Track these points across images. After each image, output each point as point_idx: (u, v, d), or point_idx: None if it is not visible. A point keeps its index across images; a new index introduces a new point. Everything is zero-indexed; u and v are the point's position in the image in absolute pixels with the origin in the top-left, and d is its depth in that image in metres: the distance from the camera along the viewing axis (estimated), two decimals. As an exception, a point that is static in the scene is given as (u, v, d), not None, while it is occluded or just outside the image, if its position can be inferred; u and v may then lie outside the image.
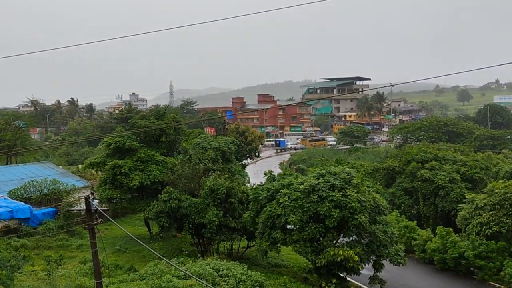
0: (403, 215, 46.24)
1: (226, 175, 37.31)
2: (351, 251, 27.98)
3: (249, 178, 51.05)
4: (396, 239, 30.48)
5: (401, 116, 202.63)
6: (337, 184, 28.54)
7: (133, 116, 59.59)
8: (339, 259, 27.80)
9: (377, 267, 30.30)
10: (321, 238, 29.19)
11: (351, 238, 29.75)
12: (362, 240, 29.65)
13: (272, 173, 34.19)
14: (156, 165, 41.18)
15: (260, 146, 67.56)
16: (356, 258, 28.08)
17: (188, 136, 55.21)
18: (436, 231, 40.20)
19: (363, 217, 27.76)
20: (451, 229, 39.81)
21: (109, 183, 40.89)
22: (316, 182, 28.81)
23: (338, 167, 32.55)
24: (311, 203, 28.23)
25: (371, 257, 29.84)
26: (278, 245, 30.52)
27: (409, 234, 42.54)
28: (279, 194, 29.71)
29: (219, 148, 44.74)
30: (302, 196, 28.67)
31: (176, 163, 41.21)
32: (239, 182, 37.06)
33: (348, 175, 29.69)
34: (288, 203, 28.77)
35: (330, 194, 28.00)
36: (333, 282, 29.12)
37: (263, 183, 34.28)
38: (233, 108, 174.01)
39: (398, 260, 29.71)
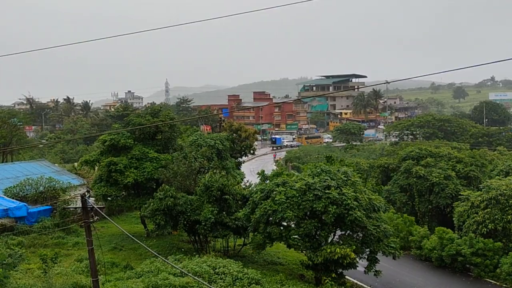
0: (399, 212, 46.42)
1: (222, 173, 37.34)
2: (348, 249, 28.15)
3: (244, 176, 51.01)
4: (390, 234, 30.56)
5: (397, 113, 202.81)
6: (333, 184, 28.65)
7: (129, 113, 59.50)
8: (336, 257, 27.98)
9: (372, 259, 30.46)
10: (317, 233, 29.37)
11: (346, 233, 29.95)
12: (355, 235, 29.84)
13: (265, 173, 34.34)
14: (150, 162, 41.23)
15: (255, 143, 67.31)
16: (353, 255, 28.35)
17: (185, 133, 55.16)
18: (435, 231, 40.27)
19: (359, 212, 27.93)
20: (449, 230, 39.94)
21: (105, 180, 40.98)
22: (311, 181, 28.90)
23: (332, 166, 32.58)
24: (307, 201, 28.41)
25: (366, 250, 30.02)
26: (274, 241, 30.63)
27: (408, 228, 42.63)
28: (274, 192, 29.76)
29: (214, 146, 44.72)
30: (297, 195, 28.77)
31: (169, 159, 41.35)
32: (234, 179, 37.04)
33: (345, 175, 29.79)
34: (284, 200, 28.84)
35: (326, 192, 28.15)
36: (333, 276, 29.34)
37: (257, 183, 34.41)
38: (229, 105, 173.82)
39: (390, 251, 29.84)
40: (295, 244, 29.76)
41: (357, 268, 30.83)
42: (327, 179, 28.99)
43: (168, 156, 42.28)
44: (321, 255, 28.45)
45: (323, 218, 28.33)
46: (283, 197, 28.98)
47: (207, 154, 41.61)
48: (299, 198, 28.70)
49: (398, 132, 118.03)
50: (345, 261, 28.49)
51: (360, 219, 27.92)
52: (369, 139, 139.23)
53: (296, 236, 29.63)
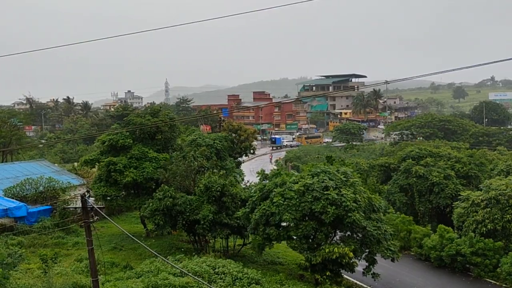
0: (398, 212, 46.42)
1: (221, 173, 37.31)
2: (346, 248, 28.10)
3: (244, 175, 51.07)
4: (390, 236, 30.51)
5: (396, 113, 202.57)
6: (332, 185, 28.54)
7: (129, 113, 59.42)
8: (334, 256, 27.92)
9: (370, 260, 30.43)
10: (315, 235, 29.32)
11: (346, 234, 29.93)
12: (355, 235, 29.80)
13: (264, 172, 34.26)
14: (150, 161, 41.25)
15: (254, 142, 67.26)
16: (351, 254, 28.27)
17: (185, 133, 55.16)
18: (437, 229, 40.25)
19: (358, 214, 27.83)
20: (450, 228, 39.98)
21: (104, 180, 40.96)
22: (310, 182, 28.81)
23: (333, 165, 32.51)
24: (306, 203, 28.30)
25: (365, 250, 29.96)
26: (273, 242, 30.62)
27: (406, 228, 42.58)
28: (272, 193, 29.75)
29: (213, 146, 44.66)
30: (296, 196, 28.71)
31: (168, 157, 41.42)
32: (232, 180, 37.00)
33: (344, 175, 29.71)
34: (282, 202, 28.81)
35: (325, 193, 28.03)
36: (327, 274, 29.24)
37: (256, 183, 34.37)
38: (228, 105, 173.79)
39: (389, 255, 29.77)
40: (293, 245, 29.76)
41: (356, 269, 30.78)
42: (326, 180, 28.87)
43: (166, 155, 42.32)
44: (319, 255, 28.40)
45: (322, 218, 28.25)
46: (281, 199, 28.96)
47: (205, 153, 41.58)
48: (297, 200, 28.62)
49: (398, 132, 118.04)
50: (344, 260, 28.42)
51: (359, 221, 27.85)
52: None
53: (294, 237, 29.62)
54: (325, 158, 37.03)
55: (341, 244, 29.05)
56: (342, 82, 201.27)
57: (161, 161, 41.15)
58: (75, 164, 70.34)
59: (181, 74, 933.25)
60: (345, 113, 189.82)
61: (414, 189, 48.69)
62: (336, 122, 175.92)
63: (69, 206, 43.04)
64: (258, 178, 34.36)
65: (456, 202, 42.09)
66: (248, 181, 43.49)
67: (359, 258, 30.03)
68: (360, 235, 29.64)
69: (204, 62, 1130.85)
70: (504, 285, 34.51)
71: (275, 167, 77.33)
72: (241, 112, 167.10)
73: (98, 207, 21.34)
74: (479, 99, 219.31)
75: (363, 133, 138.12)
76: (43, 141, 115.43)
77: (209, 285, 24.97)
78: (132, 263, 33.84)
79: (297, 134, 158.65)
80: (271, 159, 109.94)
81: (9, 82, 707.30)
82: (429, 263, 39.84)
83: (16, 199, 43.32)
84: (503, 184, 38.88)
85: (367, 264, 30.67)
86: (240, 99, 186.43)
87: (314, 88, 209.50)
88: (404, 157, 52.45)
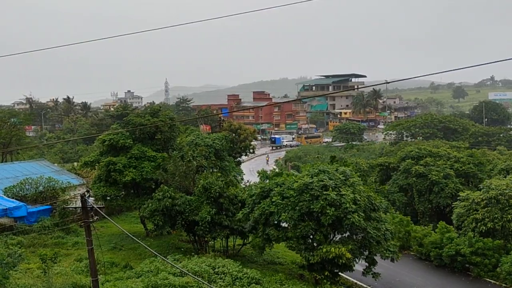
0: (398, 212, 46.36)
1: (219, 173, 37.25)
2: (343, 248, 27.97)
3: (243, 175, 51.06)
4: (391, 236, 30.43)
5: (396, 113, 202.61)
6: (331, 184, 28.45)
7: (128, 113, 59.42)
8: (331, 256, 27.81)
9: (370, 261, 30.39)
10: (313, 235, 29.27)
11: (345, 235, 29.86)
12: (355, 237, 29.74)
13: (266, 172, 34.23)
14: (149, 161, 41.26)
15: (253, 142, 67.24)
16: (348, 255, 28.07)
17: (185, 132, 55.14)
18: (438, 226, 40.23)
19: (357, 216, 27.70)
20: (451, 227, 39.96)
21: (104, 180, 40.96)
22: (309, 181, 28.77)
23: (332, 165, 32.44)
24: (304, 202, 28.21)
25: (364, 252, 29.89)
26: (273, 242, 30.61)
27: (405, 228, 42.53)
28: (272, 192, 29.72)
29: (212, 146, 44.61)
30: (295, 195, 28.66)
31: (166, 157, 41.48)
32: (231, 180, 36.96)
33: (343, 175, 29.64)
34: (280, 201, 28.77)
35: (324, 193, 27.92)
36: (325, 274, 29.21)
37: (257, 182, 34.34)
38: (228, 105, 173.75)
39: (388, 255, 29.70)
40: (291, 245, 29.76)
41: (356, 269, 30.74)
42: (325, 179, 28.79)
43: (164, 154, 42.31)
44: (317, 255, 28.35)
45: (321, 219, 28.18)
46: (279, 198, 28.93)
47: (203, 153, 41.54)
48: (296, 198, 28.59)
49: (394, 132, 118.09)
50: (341, 261, 28.27)
51: (358, 223, 27.74)
52: None
53: (292, 237, 29.58)
54: (330, 158, 36.95)
55: (339, 244, 28.95)
56: (342, 82, 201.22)
57: (158, 160, 41.16)
58: (75, 164, 70.34)
59: (181, 74, 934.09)
60: (345, 113, 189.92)
61: (414, 188, 48.71)
62: (336, 122, 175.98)
63: (69, 206, 43.03)
64: (259, 178, 34.33)
65: (456, 202, 42.10)
66: (248, 181, 43.48)
67: (358, 258, 29.95)
68: (360, 237, 29.58)
69: (204, 62, 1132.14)
70: (503, 284, 34.49)
71: (275, 167, 77.40)
72: (241, 112, 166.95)
73: (98, 207, 21.35)
74: (478, 99, 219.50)
75: (363, 134, 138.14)
76: (43, 141, 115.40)
77: (209, 285, 24.98)
78: (132, 263, 33.83)
79: (296, 134, 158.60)
80: (267, 160, 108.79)
81: (9, 82, 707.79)
82: (429, 263, 39.82)
83: (16, 199, 43.29)
84: (503, 184, 38.89)
85: (367, 264, 30.64)
86: (240, 99, 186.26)
87: (314, 88, 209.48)
88: (403, 157, 52.47)
